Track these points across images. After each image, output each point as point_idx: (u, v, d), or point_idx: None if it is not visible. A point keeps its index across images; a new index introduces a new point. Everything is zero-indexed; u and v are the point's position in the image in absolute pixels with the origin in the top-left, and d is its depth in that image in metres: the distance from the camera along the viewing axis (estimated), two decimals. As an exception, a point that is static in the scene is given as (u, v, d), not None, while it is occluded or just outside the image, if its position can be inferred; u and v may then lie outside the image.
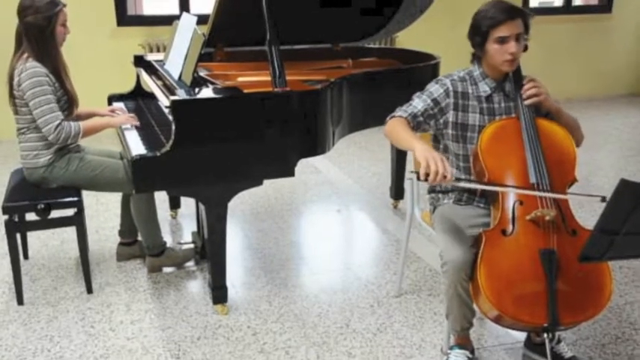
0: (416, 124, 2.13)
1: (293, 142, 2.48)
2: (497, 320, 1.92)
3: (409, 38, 4.88)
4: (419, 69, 3.24)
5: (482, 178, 2.06)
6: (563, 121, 2.14)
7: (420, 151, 1.88)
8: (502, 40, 2.03)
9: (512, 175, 2.02)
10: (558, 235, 1.91)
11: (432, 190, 2.36)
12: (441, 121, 2.17)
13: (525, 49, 2.10)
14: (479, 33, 2.07)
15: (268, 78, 2.54)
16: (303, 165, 2.67)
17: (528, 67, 2.13)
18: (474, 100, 2.16)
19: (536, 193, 1.95)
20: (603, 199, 1.74)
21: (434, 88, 2.18)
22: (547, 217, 1.91)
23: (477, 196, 2.20)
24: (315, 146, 2.58)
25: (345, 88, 2.80)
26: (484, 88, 2.16)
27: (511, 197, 2.00)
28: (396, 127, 2.08)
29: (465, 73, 2.20)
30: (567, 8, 6.77)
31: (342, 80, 2.78)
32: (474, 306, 2.03)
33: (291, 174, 2.50)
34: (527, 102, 2.07)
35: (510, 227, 1.95)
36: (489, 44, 2.06)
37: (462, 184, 2.06)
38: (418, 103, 2.16)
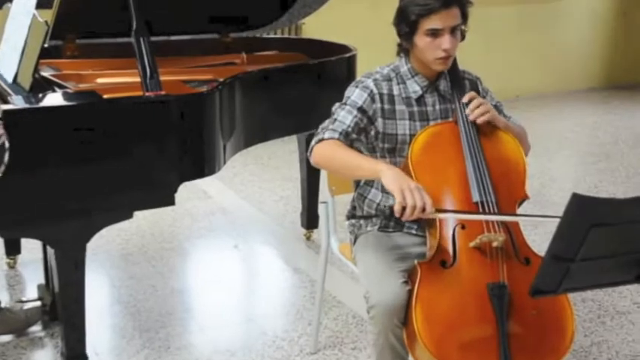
0: (349, 143, 2.14)
1: (171, 162, 2.46)
2: (438, 374, 1.96)
3: (319, 26, 4.97)
4: (331, 64, 3.30)
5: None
6: (514, 135, 2.23)
7: (391, 179, 1.91)
8: (434, 33, 2.09)
9: (451, 191, 2.08)
10: (509, 266, 1.98)
11: (351, 216, 2.40)
12: (372, 133, 2.21)
13: (462, 38, 2.19)
14: (406, 22, 2.11)
15: (136, 79, 2.52)
16: (188, 190, 2.65)
17: (466, 61, 2.22)
18: (401, 103, 2.21)
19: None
20: None
21: (356, 95, 2.19)
22: (495, 244, 1.98)
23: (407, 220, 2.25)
24: (201, 165, 2.58)
25: (238, 89, 2.81)
26: (414, 87, 2.22)
27: (450, 220, 2.06)
28: (336, 151, 2.08)
29: (390, 69, 2.25)
30: (510, -11, 7.11)
31: (234, 80, 2.80)
32: (410, 358, 2.07)
33: (171, 202, 2.49)
34: (478, 120, 2.11)
35: (451, 257, 2.00)
36: (419, 37, 2.11)
37: (445, 215, 2.01)
38: (345, 116, 2.16)
